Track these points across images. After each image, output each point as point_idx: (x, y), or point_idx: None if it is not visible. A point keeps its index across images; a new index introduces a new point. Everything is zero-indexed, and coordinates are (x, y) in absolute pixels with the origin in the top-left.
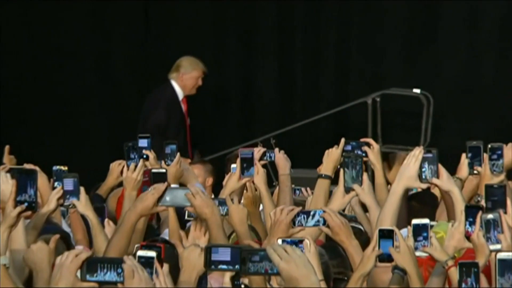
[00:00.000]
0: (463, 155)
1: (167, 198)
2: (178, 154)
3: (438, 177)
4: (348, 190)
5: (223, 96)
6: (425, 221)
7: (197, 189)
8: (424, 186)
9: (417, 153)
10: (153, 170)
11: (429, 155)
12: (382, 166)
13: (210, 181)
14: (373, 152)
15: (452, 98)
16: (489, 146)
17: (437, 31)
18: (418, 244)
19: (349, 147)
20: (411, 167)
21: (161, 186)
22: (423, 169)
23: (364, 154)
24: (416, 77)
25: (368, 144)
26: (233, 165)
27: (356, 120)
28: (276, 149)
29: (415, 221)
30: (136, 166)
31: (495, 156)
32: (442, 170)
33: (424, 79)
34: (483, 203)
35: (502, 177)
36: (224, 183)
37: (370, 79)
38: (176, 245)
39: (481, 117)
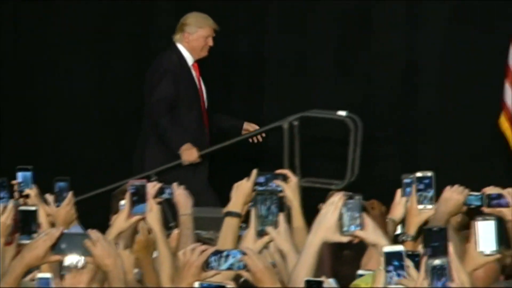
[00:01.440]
0: (398, 192)
1: (62, 245)
2: (71, 193)
3: (362, 227)
4: (260, 233)
5: (116, 116)
6: (399, 247)
7: (98, 236)
8: (345, 239)
9: (337, 200)
10: (21, 208)
11: (351, 201)
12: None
13: None
14: (289, 187)
15: (387, 120)
16: (416, 175)
17: (370, 42)
18: (390, 275)
19: (262, 179)
20: (329, 217)
21: (54, 232)
22: (344, 219)
23: (280, 189)
24: (343, 97)
25: (285, 177)
26: (121, 202)
27: (271, 148)
28: (175, 185)
29: (386, 248)
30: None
31: (422, 186)
32: (367, 220)
33: (352, 99)
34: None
35: (432, 211)
36: (111, 223)
37: (288, 98)
38: None
39: (424, 141)
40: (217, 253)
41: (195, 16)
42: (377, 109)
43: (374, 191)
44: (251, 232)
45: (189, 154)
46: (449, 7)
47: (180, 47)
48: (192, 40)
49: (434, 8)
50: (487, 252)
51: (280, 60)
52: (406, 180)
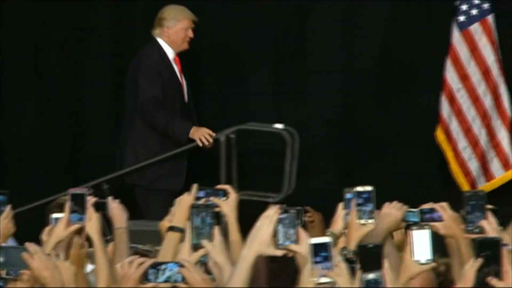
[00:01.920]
0: (339, 206)
1: (0, 259)
2: (9, 206)
3: (297, 241)
4: (196, 246)
5: (49, 130)
6: (326, 239)
7: (36, 249)
8: (280, 253)
9: (272, 213)
10: None
11: (286, 215)
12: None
13: None
14: (227, 203)
15: (324, 133)
16: (356, 189)
17: (306, 54)
18: (317, 266)
19: (202, 194)
20: (264, 230)
21: None
22: (279, 232)
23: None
24: (280, 109)
25: (225, 192)
26: (54, 215)
27: (207, 161)
28: (110, 198)
29: (313, 240)
30: None
31: (361, 201)
32: (302, 234)
33: (289, 112)
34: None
35: (371, 226)
36: (43, 236)
37: (225, 111)
38: None
39: (361, 154)
40: (155, 265)
41: (172, 9)
42: (314, 121)
43: (311, 204)
44: (186, 245)
45: (201, 132)
46: (386, 20)
47: (161, 41)
48: (172, 34)
49: (371, 21)
50: (423, 261)
51: (216, 72)
52: (348, 195)
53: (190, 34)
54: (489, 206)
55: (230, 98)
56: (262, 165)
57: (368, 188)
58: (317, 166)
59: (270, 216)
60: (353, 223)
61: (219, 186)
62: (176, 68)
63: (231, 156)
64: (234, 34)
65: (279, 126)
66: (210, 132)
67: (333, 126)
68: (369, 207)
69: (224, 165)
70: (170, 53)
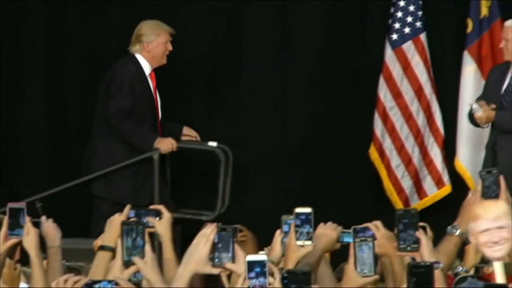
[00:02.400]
0: (277, 232)
1: None
2: None
3: (233, 260)
4: (127, 263)
5: None
6: (263, 257)
7: None
8: (216, 271)
9: (209, 232)
10: None
11: (223, 233)
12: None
13: None
14: (161, 223)
15: (259, 150)
16: (295, 210)
17: (242, 70)
18: (251, 282)
19: (133, 214)
20: (200, 249)
21: None
22: (216, 251)
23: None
24: (214, 127)
25: (158, 212)
26: None
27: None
28: (44, 217)
29: (249, 257)
30: None
31: (298, 222)
32: (239, 252)
33: (223, 129)
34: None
35: (309, 248)
36: None
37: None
38: None
39: (296, 171)
40: (90, 283)
41: (149, 24)
42: (248, 139)
43: (246, 222)
44: (118, 262)
45: (166, 142)
46: (320, 38)
47: (139, 57)
48: (153, 48)
49: (306, 39)
50: (365, 273)
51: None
52: (289, 221)
53: (170, 47)
54: (421, 224)
55: (165, 115)
56: (196, 183)
57: (307, 210)
58: (252, 184)
59: (206, 235)
60: (291, 244)
61: (152, 206)
62: (151, 84)
63: (166, 173)
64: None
65: (212, 144)
66: (174, 141)
67: (267, 144)
68: (306, 228)
69: (157, 183)
70: (147, 68)
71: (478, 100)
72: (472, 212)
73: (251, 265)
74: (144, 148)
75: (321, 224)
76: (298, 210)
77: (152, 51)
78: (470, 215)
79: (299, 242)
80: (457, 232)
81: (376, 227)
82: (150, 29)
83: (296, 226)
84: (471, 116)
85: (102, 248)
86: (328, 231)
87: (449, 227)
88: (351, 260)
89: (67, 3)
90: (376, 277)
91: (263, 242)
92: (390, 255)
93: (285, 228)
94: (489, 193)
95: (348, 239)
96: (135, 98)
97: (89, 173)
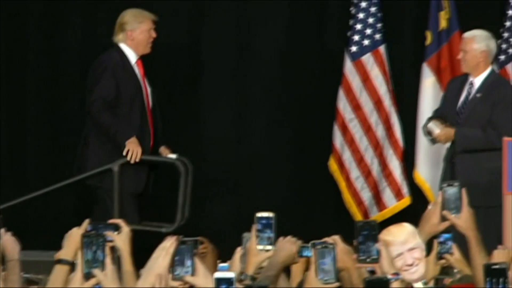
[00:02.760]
0: (238, 249)
1: None
2: None
3: (193, 273)
4: (87, 276)
5: None
6: (231, 274)
7: None
8: (176, 284)
9: (168, 245)
10: None
11: (183, 246)
12: None
13: None
14: (120, 237)
15: (219, 161)
16: (256, 215)
17: (201, 80)
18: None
19: (90, 228)
20: (160, 262)
21: None
22: (175, 264)
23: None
24: (173, 138)
25: (117, 226)
26: None
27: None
28: (3, 230)
29: (217, 274)
30: None
31: (260, 227)
32: (199, 265)
33: (183, 140)
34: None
35: (270, 253)
36: None
37: None
38: None
39: (257, 182)
40: None
41: (132, 12)
42: (208, 150)
43: (206, 234)
44: (78, 274)
45: (133, 147)
46: (280, 50)
47: (123, 46)
48: (136, 36)
49: (265, 51)
50: (326, 280)
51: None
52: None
53: (154, 34)
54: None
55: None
56: (155, 195)
57: (268, 214)
58: (212, 195)
59: (166, 248)
60: (251, 249)
61: (111, 221)
62: (138, 72)
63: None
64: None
65: (172, 156)
66: (140, 152)
67: (227, 155)
68: (267, 233)
69: (117, 196)
70: (132, 56)
71: (436, 111)
72: (382, 239)
73: (218, 282)
74: (118, 143)
75: (281, 238)
76: (260, 214)
77: (136, 38)
78: (383, 243)
79: (260, 247)
80: None
81: (335, 242)
82: (132, 17)
83: (258, 230)
84: (427, 132)
85: (59, 261)
86: (287, 245)
87: None
88: (312, 267)
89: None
90: (337, 284)
91: (224, 254)
92: (348, 269)
93: (258, 226)
94: (449, 205)
95: (307, 253)
96: (118, 85)
97: (83, 163)
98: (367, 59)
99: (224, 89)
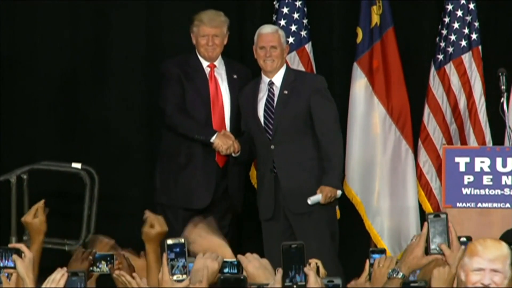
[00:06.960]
0: (164, 255)
1: None
2: None
3: None
4: None
5: None
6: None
7: None
8: None
9: (59, 277)
10: None
11: (74, 278)
12: None
13: None
14: (23, 263)
15: (130, 173)
16: (167, 242)
17: (104, 87)
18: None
19: None
20: None
21: None
22: None
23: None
24: (77, 147)
25: (19, 252)
26: None
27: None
28: None
29: (169, 241)
30: None
31: (172, 256)
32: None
33: (88, 150)
34: None
35: (186, 283)
36: None
37: (18, 149)
38: None
39: None
40: None
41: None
42: (116, 160)
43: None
44: None
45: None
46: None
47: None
48: (195, 43)
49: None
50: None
51: (10, 107)
52: (174, 249)
53: (208, 42)
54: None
55: (19, 134)
56: (59, 209)
57: (179, 240)
58: (120, 209)
59: (56, 280)
60: (164, 280)
61: (12, 245)
62: (209, 74)
63: (24, 198)
64: (25, 60)
65: (76, 165)
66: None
67: (136, 164)
68: (181, 262)
69: (15, 209)
70: (204, 63)
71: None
72: (472, 246)
73: (170, 247)
74: (202, 137)
75: (200, 255)
76: (170, 241)
77: (196, 46)
78: (470, 249)
79: (175, 277)
80: (400, 275)
81: (247, 259)
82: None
83: (171, 260)
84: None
85: None
86: (208, 262)
87: (389, 271)
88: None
89: None
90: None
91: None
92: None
93: (170, 255)
94: (435, 238)
95: (232, 269)
96: (185, 89)
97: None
98: (292, 58)
99: (131, 94)
